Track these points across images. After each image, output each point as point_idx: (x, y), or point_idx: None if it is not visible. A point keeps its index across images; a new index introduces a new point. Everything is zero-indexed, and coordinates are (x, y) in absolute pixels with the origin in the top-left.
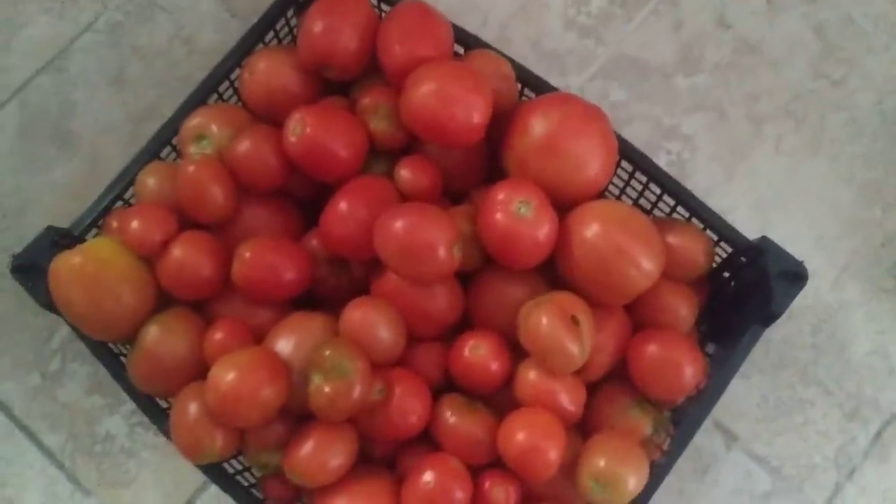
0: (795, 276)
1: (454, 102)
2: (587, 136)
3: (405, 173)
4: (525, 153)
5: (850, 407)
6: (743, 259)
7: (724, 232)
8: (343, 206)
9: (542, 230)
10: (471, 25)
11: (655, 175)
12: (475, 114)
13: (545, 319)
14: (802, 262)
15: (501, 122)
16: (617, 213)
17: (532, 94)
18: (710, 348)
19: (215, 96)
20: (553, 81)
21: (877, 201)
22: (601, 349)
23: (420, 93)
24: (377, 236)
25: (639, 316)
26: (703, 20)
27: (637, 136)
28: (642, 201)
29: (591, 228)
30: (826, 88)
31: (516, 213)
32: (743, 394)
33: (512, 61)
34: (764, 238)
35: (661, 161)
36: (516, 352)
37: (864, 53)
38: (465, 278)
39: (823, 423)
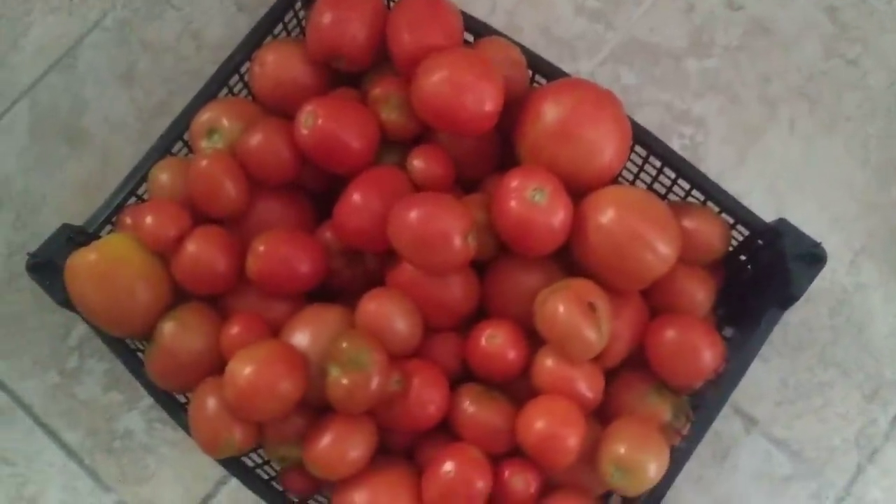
0: (814, 257)
1: (466, 90)
2: (600, 122)
3: (418, 163)
4: (538, 140)
5: (869, 389)
6: (760, 242)
7: (741, 214)
8: (356, 197)
9: (557, 217)
10: (480, 13)
11: (670, 159)
12: (487, 101)
13: (562, 306)
14: (820, 243)
15: (513, 109)
16: (632, 198)
17: (543, 81)
18: (728, 332)
19: (225, 90)
20: (564, 67)
21: (893, 181)
22: (618, 335)
23: (431, 81)
24: (391, 227)
25: (655, 301)
26: (714, 2)
27: (649, 121)
28: (657, 186)
29: (606, 214)
30: (840, 68)
31: (530, 200)
32: (762, 377)
33: (522, 48)
34: (781, 220)
35: (675, 145)
36: (533, 340)
37: (877, 32)
38: (481, 267)
39: (843, 406)
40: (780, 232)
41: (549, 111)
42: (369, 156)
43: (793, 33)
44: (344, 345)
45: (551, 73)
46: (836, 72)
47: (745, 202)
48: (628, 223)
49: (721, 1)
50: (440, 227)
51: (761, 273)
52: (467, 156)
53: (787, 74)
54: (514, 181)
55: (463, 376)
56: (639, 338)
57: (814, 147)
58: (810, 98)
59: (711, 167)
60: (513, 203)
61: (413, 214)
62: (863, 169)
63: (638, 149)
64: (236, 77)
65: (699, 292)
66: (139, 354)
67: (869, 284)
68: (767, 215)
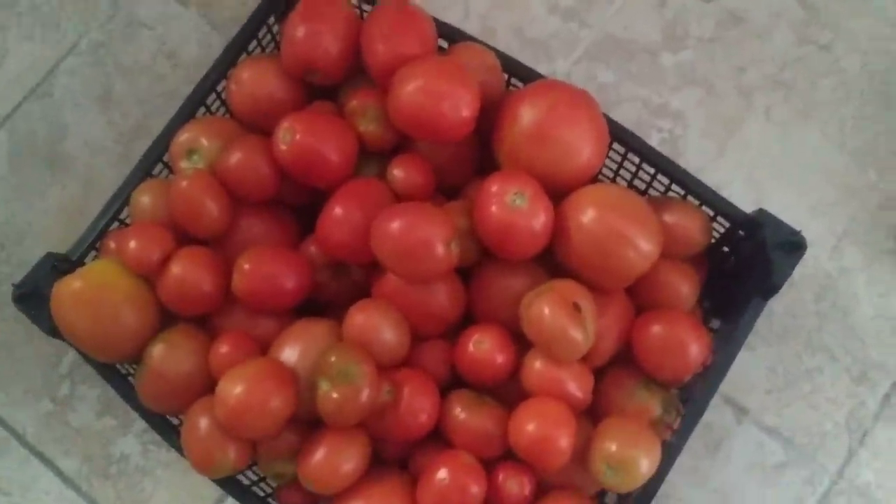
0: (794, 245)
1: (441, 98)
2: (576, 122)
3: (398, 173)
4: (515, 143)
5: (857, 371)
6: (741, 233)
7: (721, 206)
8: (338, 211)
9: (538, 220)
10: (453, 18)
11: (648, 155)
12: (463, 108)
13: (547, 308)
14: (800, 231)
15: (490, 114)
16: (611, 196)
17: (520, 84)
18: (715, 323)
19: (203, 109)
20: (540, 68)
21: (871, 164)
22: (605, 334)
23: (407, 91)
24: (373, 239)
25: (640, 297)
26: None
27: (627, 117)
28: (637, 182)
29: (586, 214)
30: (812, 54)
31: (511, 204)
32: (750, 367)
33: (497, 51)
34: (760, 210)
35: (653, 140)
36: (521, 342)
37: (847, 16)
38: (466, 273)
39: (832, 390)
40: (759, 222)
41: (525, 114)
42: (349, 168)
43: (765, 22)
44: (332, 358)
45: (527, 75)
46: (809, 58)
47: (726, 193)
48: (608, 222)
49: None
50: (421, 236)
51: (744, 264)
52: (447, 162)
53: (761, 63)
54: (493, 186)
55: (454, 383)
56: (626, 335)
57: (791, 134)
58: (785, 86)
59: (691, 160)
60: (493, 208)
61: (394, 225)
62: (840, 153)
63: (617, 146)
64: (214, 95)
65: (683, 286)
66: (130, 378)
67: (852, 268)
68: (748, 205)
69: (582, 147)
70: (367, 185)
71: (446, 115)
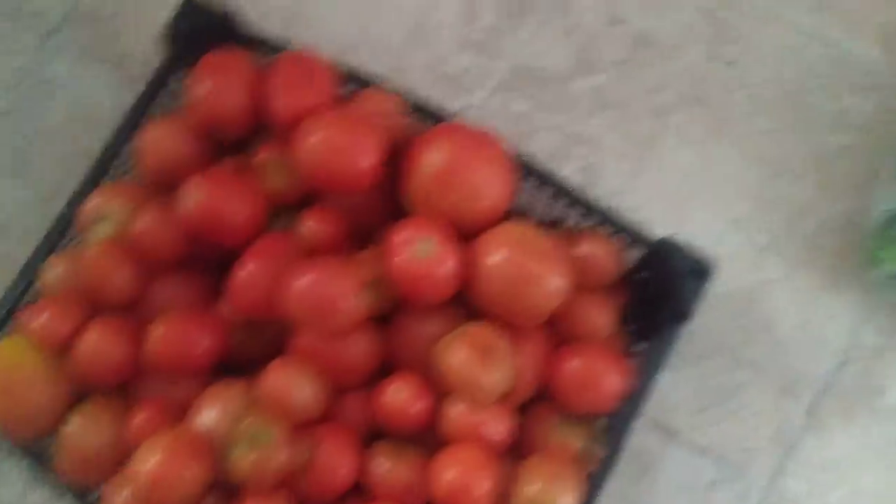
0: (700, 272)
1: (342, 150)
2: (479, 164)
3: (307, 227)
4: (420, 189)
5: (782, 384)
6: (652, 259)
7: (633, 234)
8: (248, 270)
9: (447, 266)
10: (364, 58)
11: (559, 187)
12: (365, 158)
13: (459, 354)
14: (705, 257)
15: (399, 159)
16: (519, 235)
17: (432, 123)
18: (642, 346)
19: (111, 173)
20: (455, 102)
21: (785, 174)
22: (523, 372)
23: (308, 145)
24: (283, 297)
25: (558, 331)
26: (595, 20)
27: (544, 147)
28: (556, 211)
29: (494, 256)
30: (721, 70)
31: (418, 253)
32: (676, 387)
33: (404, 93)
34: (662, 241)
35: (571, 167)
36: (441, 388)
37: (753, 28)
38: (386, 318)
39: (759, 405)
40: (665, 250)
41: (429, 159)
42: (257, 226)
43: (675, 41)
44: (245, 422)
45: (434, 116)
46: (718, 74)
47: (645, 214)
48: (517, 261)
49: (601, 19)
50: (330, 291)
51: (656, 290)
52: (360, 211)
53: (673, 83)
54: (398, 236)
55: (377, 433)
56: (545, 370)
57: (707, 151)
58: (698, 103)
59: (609, 184)
60: (401, 258)
61: (301, 283)
62: (756, 166)
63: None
64: (122, 157)
65: (598, 317)
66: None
67: (775, 279)
68: (667, 226)
69: (487, 189)
70: (277, 240)
71: (348, 167)
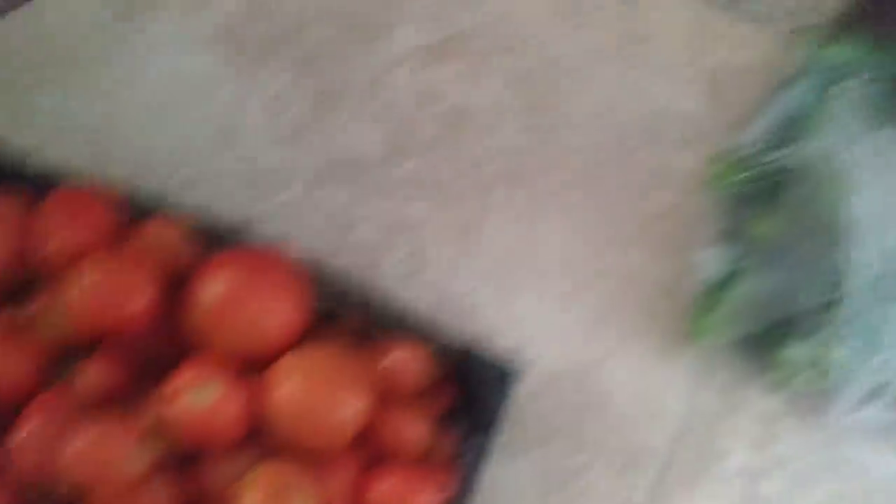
0: (505, 376)
1: (110, 294)
2: (262, 291)
3: (86, 378)
4: (200, 324)
5: (623, 461)
6: (457, 369)
7: (438, 343)
8: (26, 434)
9: (232, 408)
10: (168, 169)
11: (362, 299)
12: (135, 300)
13: (255, 498)
14: (509, 360)
15: (182, 292)
16: (310, 362)
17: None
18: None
19: None
20: (269, 201)
21: (614, 243)
22: (336, 499)
23: (75, 291)
24: (59, 462)
25: (370, 448)
26: (405, 102)
27: (364, 239)
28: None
29: (286, 387)
30: (538, 141)
31: (196, 402)
32: (517, 477)
33: (196, 215)
34: (465, 351)
35: (395, 256)
36: None
37: (567, 94)
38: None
39: (603, 485)
40: (468, 357)
41: (206, 292)
42: (32, 386)
43: (490, 115)
44: None
45: (222, 241)
46: (534, 146)
47: (474, 300)
48: (307, 389)
49: (411, 100)
50: (106, 451)
51: (461, 399)
52: (147, 352)
53: (491, 159)
54: (176, 381)
55: None
56: (356, 494)
57: (530, 228)
58: (517, 178)
59: (435, 271)
60: (178, 407)
61: (76, 445)
62: (583, 236)
63: None
64: None
65: (412, 430)
66: None
67: (608, 353)
68: (495, 310)
69: (272, 315)
70: (56, 397)
71: (118, 310)
